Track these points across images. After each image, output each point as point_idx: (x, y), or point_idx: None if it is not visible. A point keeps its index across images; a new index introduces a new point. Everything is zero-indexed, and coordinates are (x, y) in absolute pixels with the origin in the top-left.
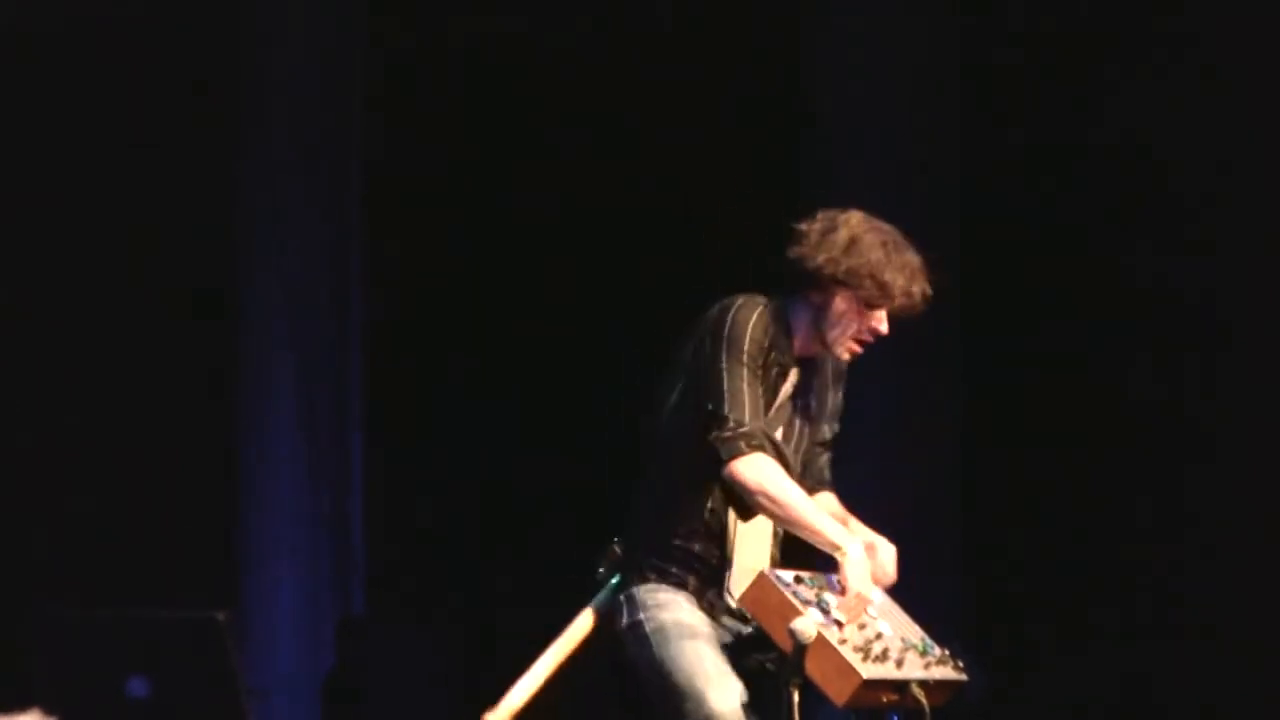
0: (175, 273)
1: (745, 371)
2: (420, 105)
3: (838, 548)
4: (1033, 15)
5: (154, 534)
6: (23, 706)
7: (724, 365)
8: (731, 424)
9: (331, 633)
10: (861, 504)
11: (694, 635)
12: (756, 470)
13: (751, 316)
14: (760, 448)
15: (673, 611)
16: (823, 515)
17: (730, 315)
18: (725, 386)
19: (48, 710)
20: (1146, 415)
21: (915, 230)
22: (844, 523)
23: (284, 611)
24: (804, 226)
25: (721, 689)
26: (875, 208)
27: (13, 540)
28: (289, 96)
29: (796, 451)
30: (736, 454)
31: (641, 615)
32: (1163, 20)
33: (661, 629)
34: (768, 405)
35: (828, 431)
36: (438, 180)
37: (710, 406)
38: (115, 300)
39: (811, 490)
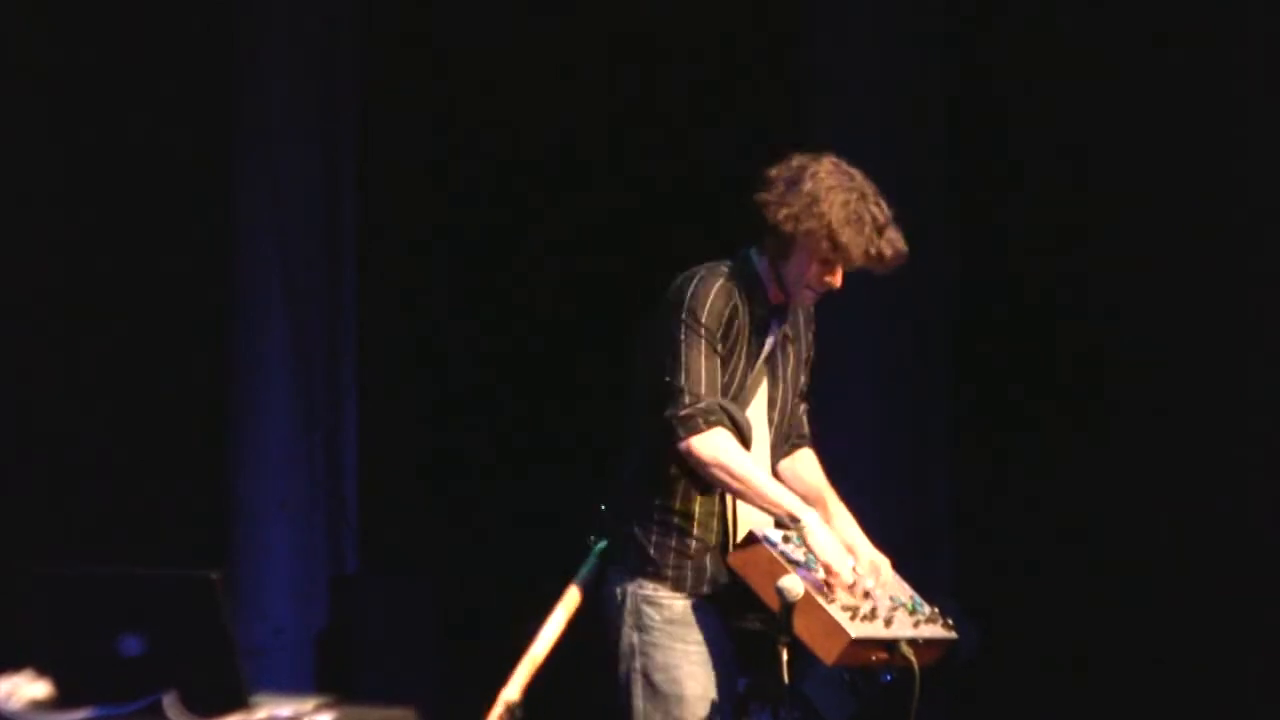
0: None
1: (703, 344)
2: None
3: (796, 520)
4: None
5: (146, 493)
6: (15, 666)
7: (681, 337)
8: (687, 400)
9: (325, 589)
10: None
11: (680, 700)
12: (712, 446)
13: (713, 288)
14: (718, 423)
15: (664, 650)
16: (779, 487)
17: (691, 288)
18: (682, 360)
19: (40, 669)
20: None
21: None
22: (819, 495)
23: (277, 568)
24: (772, 173)
25: None
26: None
27: (3, 498)
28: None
29: (785, 401)
30: (693, 431)
31: (635, 640)
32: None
33: (650, 682)
34: (751, 361)
35: (804, 376)
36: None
37: (667, 379)
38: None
39: (794, 446)
